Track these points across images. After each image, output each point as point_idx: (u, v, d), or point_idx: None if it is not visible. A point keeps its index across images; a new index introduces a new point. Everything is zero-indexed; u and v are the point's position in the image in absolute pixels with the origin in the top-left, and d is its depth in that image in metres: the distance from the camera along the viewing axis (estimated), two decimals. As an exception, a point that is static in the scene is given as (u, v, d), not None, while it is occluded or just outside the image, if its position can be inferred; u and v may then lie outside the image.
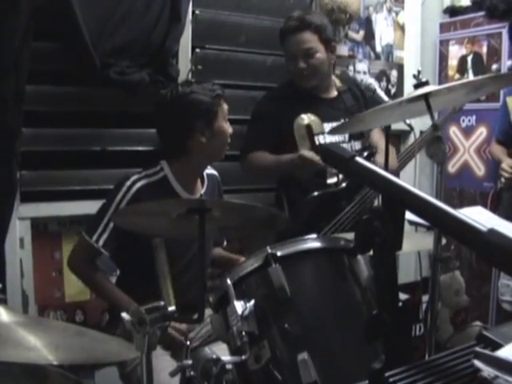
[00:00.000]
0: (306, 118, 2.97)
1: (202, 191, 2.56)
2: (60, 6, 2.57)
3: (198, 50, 3.24)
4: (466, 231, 0.99)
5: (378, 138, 3.10)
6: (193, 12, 3.20)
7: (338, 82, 3.15)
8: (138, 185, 2.36)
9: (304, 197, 2.87)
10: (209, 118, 2.42)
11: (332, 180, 2.93)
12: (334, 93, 3.11)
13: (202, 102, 2.40)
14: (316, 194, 2.84)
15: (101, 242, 2.34)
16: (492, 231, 0.96)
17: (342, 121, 2.96)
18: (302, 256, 1.63)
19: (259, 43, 3.49)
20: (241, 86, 3.43)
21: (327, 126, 2.98)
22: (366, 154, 2.88)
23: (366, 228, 1.09)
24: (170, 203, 2.07)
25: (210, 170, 2.66)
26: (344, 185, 2.90)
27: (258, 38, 3.48)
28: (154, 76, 2.89)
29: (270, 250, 1.58)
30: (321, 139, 2.95)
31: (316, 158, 2.77)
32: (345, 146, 3.00)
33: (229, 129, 2.51)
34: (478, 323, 3.61)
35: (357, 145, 3.08)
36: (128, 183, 2.35)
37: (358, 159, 1.15)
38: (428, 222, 1.08)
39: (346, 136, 3.05)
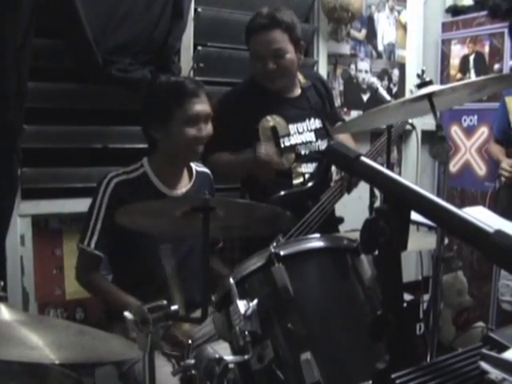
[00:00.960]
0: (271, 120, 2.84)
1: (187, 188, 2.53)
2: (62, 3, 2.56)
3: (199, 48, 3.23)
4: (473, 232, 0.98)
5: (342, 137, 3.03)
6: (195, 9, 3.20)
7: (301, 79, 3.03)
8: (115, 180, 2.36)
9: (269, 197, 2.74)
10: (162, 119, 2.37)
11: (298, 180, 2.85)
12: (298, 91, 3.00)
13: (156, 100, 2.39)
14: (282, 193, 2.76)
15: (92, 245, 2.33)
16: (499, 232, 0.95)
17: (307, 121, 2.93)
18: (305, 255, 1.63)
19: (261, 41, 3.48)
20: (243, 83, 3.43)
21: (292, 127, 2.89)
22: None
23: (371, 228, 1.08)
24: (174, 201, 2.07)
25: (201, 168, 2.65)
26: (310, 184, 2.83)
27: (259, 37, 3.46)
28: (156, 73, 2.88)
29: (273, 250, 1.58)
30: (286, 141, 2.85)
31: (275, 158, 2.73)
32: (312, 146, 2.94)
33: (190, 132, 2.38)
34: (480, 324, 3.61)
35: (323, 144, 2.96)
36: (105, 181, 2.36)
37: (364, 159, 1.14)
38: (433, 222, 1.07)
39: (313, 136, 2.94)
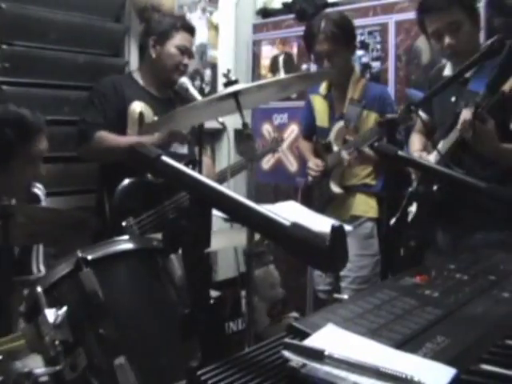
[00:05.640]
0: (140, 106, 3.00)
1: None
2: None
3: (4, 47, 3.07)
4: (271, 226, 1.01)
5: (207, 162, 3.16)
6: (-1, 5, 3.03)
7: None
8: None
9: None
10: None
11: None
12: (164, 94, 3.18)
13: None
14: (131, 180, 2.82)
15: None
16: (295, 225, 0.99)
17: None
18: (114, 258, 1.61)
19: (71, 40, 3.38)
20: (51, 85, 3.31)
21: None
22: (184, 162, 2.87)
23: (174, 227, 1.09)
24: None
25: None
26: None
27: (69, 35, 3.37)
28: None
29: (80, 254, 1.54)
30: None
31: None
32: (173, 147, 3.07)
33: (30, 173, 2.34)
34: (294, 314, 3.75)
35: (180, 149, 3.13)
36: None
37: (164, 158, 1.14)
38: (234, 218, 1.10)
39: None
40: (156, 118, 3.00)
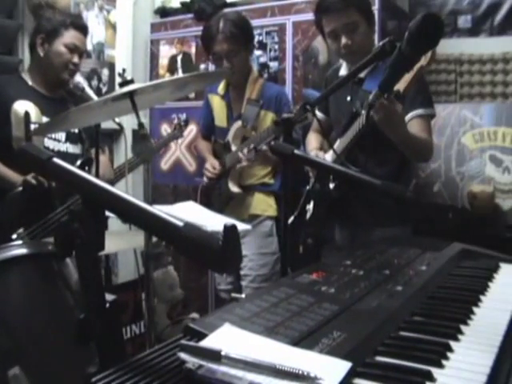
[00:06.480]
0: (25, 106, 2.86)
1: None
2: None
3: None
4: (163, 227, 1.00)
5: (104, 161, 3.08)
6: None
7: None
8: None
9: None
10: None
11: None
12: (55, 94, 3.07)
13: None
14: (20, 189, 2.69)
15: None
16: (188, 225, 0.98)
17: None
18: (6, 264, 1.55)
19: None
20: None
21: (46, 120, 2.90)
22: (79, 161, 2.79)
23: (66, 230, 1.06)
24: None
25: None
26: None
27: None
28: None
29: (-31, 262, 1.48)
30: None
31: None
32: (61, 145, 2.99)
33: None
34: (194, 315, 3.74)
35: (72, 148, 3.05)
36: None
37: (56, 160, 1.10)
38: (126, 220, 1.08)
39: (63, 136, 3.00)
40: (44, 118, 2.88)
